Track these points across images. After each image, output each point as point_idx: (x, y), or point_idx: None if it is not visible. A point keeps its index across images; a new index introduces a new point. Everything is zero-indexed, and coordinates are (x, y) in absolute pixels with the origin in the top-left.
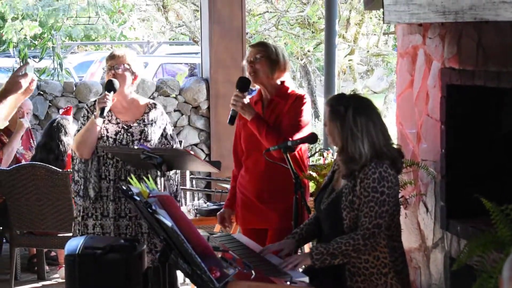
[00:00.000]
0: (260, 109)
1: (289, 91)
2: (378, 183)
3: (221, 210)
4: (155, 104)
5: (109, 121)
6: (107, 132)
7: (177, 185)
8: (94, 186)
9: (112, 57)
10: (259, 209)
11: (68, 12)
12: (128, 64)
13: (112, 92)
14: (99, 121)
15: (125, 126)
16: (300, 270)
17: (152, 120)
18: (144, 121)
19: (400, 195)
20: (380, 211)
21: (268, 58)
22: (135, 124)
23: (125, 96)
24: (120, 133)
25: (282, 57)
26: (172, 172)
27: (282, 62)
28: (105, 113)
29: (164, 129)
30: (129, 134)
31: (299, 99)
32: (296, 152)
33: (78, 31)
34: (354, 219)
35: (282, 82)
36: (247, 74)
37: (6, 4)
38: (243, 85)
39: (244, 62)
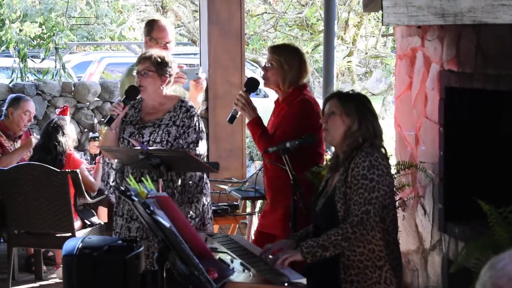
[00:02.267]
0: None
1: (298, 96)
2: (368, 171)
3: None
4: (180, 102)
5: (131, 121)
6: (123, 133)
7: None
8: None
9: (139, 61)
10: (269, 212)
11: (68, 13)
12: (155, 68)
13: (129, 100)
14: (108, 127)
15: (139, 127)
16: (290, 266)
17: (169, 120)
18: (160, 121)
19: (398, 197)
20: (369, 197)
21: (280, 67)
22: (150, 125)
23: (154, 98)
24: (133, 134)
25: (297, 66)
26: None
27: (296, 71)
28: (111, 123)
29: (182, 127)
30: (140, 135)
31: (298, 105)
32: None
33: (80, 31)
34: (348, 211)
35: (297, 87)
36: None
37: (5, 6)
38: (250, 85)
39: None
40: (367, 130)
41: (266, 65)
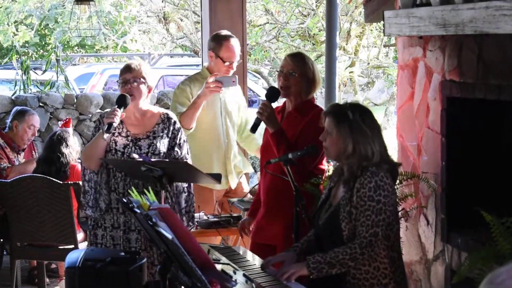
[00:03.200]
0: (279, 121)
1: (310, 106)
2: (374, 192)
3: (243, 218)
4: (167, 115)
5: (119, 133)
6: (116, 145)
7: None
8: (105, 199)
9: (127, 69)
10: (266, 224)
11: (70, 22)
12: (143, 77)
13: (122, 108)
14: (106, 136)
15: (134, 139)
16: (294, 280)
17: (162, 132)
18: (154, 133)
19: (400, 208)
20: (377, 219)
21: (305, 76)
22: (144, 137)
23: (139, 109)
24: (128, 146)
25: (318, 75)
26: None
27: (318, 80)
28: (111, 130)
29: (174, 139)
30: (137, 147)
31: (317, 116)
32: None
33: (75, 39)
34: (353, 230)
35: (309, 97)
36: (276, 83)
37: (5, 8)
38: (272, 95)
39: (278, 70)
40: (360, 153)
41: (288, 73)
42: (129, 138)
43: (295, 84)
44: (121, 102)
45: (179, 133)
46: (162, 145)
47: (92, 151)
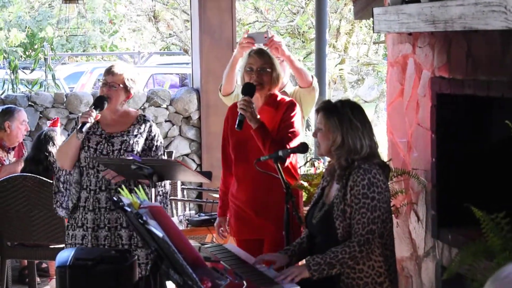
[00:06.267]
0: None
1: (278, 98)
2: (368, 189)
3: (216, 221)
4: (144, 117)
5: (94, 132)
6: (89, 142)
7: (164, 194)
8: (72, 198)
9: (110, 72)
10: (252, 219)
11: (60, 23)
12: (124, 83)
13: (98, 110)
14: (80, 135)
15: (107, 137)
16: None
17: (137, 132)
18: (128, 132)
19: (391, 204)
20: (372, 216)
21: (275, 70)
22: (118, 135)
23: (115, 111)
24: (101, 143)
25: (280, 68)
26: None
27: (281, 74)
28: (84, 129)
29: (151, 140)
30: (109, 144)
31: (291, 107)
32: (289, 161)
33: (76, 41)
34: (348, 228)
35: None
36: (243, 80)
37: None
38: (249, 91)
39: (242, 68)
40: (349, 145)
41: (259, 69)
42: (103, 135)
43: (268, 79)
44: (98, 103)
45: (156, 136)
46: (136, 143)
47: (66, 149)
